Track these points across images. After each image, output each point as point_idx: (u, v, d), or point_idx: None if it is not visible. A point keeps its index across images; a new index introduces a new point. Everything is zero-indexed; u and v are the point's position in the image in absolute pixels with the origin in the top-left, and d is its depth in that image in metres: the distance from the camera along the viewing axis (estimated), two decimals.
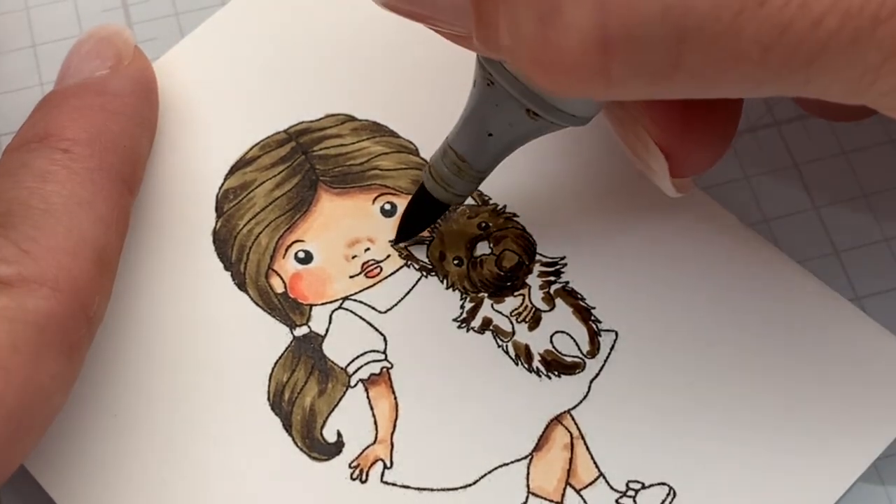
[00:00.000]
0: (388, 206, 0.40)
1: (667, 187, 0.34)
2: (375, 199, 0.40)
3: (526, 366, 0.37)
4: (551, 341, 0.38)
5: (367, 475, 0.36)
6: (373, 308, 0.38)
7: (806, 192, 0.42)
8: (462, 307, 0.38)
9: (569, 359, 0.38)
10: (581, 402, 0.37)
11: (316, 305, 0.38)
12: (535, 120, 0.33)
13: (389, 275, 0.39)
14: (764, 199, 0.42)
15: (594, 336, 0.38)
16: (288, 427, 0.36)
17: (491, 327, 0.38)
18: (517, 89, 0.32)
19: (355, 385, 0.37)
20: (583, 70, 0.25)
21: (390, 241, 0.39)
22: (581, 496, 0.36)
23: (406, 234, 0.39)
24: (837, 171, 0.42)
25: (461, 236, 0.39)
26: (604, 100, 0.28)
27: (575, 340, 0.38)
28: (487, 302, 0.38)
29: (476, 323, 0.38)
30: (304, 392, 0.37)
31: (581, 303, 0.39)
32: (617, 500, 0.36)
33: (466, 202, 0.39)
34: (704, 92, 0.26)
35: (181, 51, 0.42)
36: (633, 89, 0.26)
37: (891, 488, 0.38)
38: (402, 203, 0.40)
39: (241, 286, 0.39)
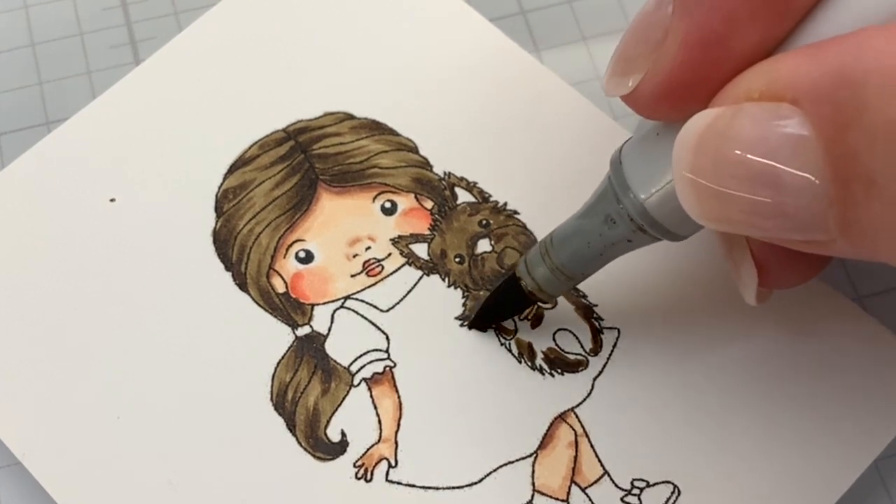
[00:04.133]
0: (388, 204, 0.40)
1: (749, 295, 0.34)
2: (375, 197, 0.40)
3: (529, 364, 0.37)
4: (554, 339, 0.38)
5: (371, 474, 0.36)
6: (375, 307, 0.38)
7: None
8: (464, 305, 0.38)
9: (572, 356, 0.38)
10: (585, 399, 0.37)
11: (317, 305, 0.38)
12: (644, 236, 0.32)
13: (391, 273, 0.39)
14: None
15: (597, 334, 0.38)
16: (291, 427, 0.36)
17: (493, 325, 0.38)
18: (637, 211, 0.32)
19: (358, 384, 0.37)
20: None
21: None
22: (586, 494, 0.36)
23: (484, 321, 0.38)
24: None
25: (462, 234, 0.39)
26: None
27: (578, 338, 0.38)
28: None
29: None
30: (308, 392, 0.37)
31: (583, 300, 0.39)
32: (622, 499, 0.36)
33: (467, 200, 0.39)
34: None
35: (177, 48, 0.42)
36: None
37: (891, 488, 0.38)
38: (401, 201, 0.40)
39: (242, 286, 0.38)
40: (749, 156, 0.26)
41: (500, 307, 0.38)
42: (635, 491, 0.36)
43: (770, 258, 0.33)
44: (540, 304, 0.38)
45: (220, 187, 0.40)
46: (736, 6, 0.27)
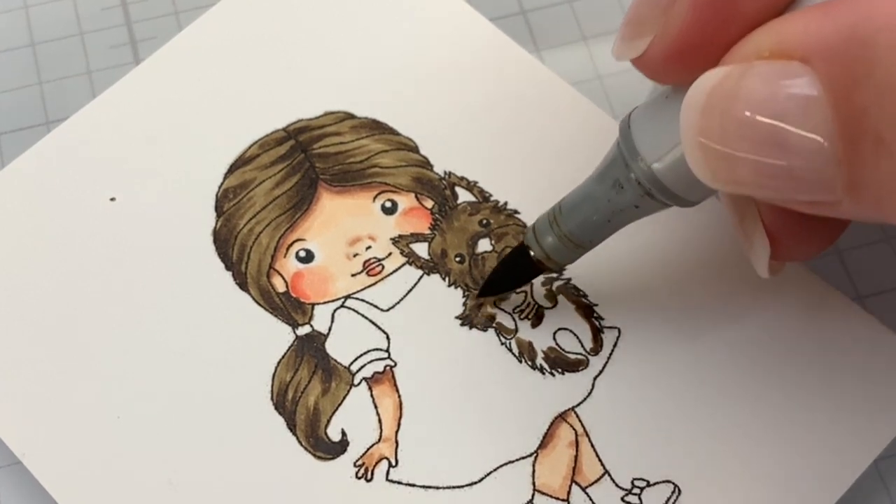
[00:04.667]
0: (388, 204, 0.40)
1: (761, 267, 0.34)
2: (376, 196, 0.40)
3: (529, 363, 0.37)
4: (554, 338, 0.38)
5: (372, 474, 0.36)
6: (375, 306, 0.38)
7: None
8: (464, 305, 0.38)
9: (572, 356, 0.38)
10: (585, 399, 0.37)
11: (318, 304, 0.38)
12: (652, 202, 0.32)
13: (391, 273, 0.39)
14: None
15: (597, 333, 0.38)
16: (292, 427, 0.36)
17: (494, 325, 0.38)
18: (646, 176, 0.31)
19: (359, 384, 0.37)
20: None
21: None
22: (587, 494, 0.36)
23: (493, 290, 0.38)
24: None
25: (463, 233, 0.39)
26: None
27: (578, 337, 0.38)
28: (490, 299, 0.38)
29: (479, 320, 0.38)
30: (308, 391, 0.37)
31: (583, 300, 0.38)
32: (622, 498, 0.36)
33: (467, 199, 0.39)
34: None
35: (177, 48, 0.42)
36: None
37: (891, 488, 0.38)
38: (402, 200, 0.40)
39: (243, 286, 0.38)
40: (757, 117, 0.26)
41: (508, 276, 0.37)
42: (636, 490, 0.36)
43: (782, 229, 0.33)
44: (547, 273, 0.37)
45: (220, 187, 0.40)
46: None
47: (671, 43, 0.29)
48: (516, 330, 0.38)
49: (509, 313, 0.38)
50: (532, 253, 0.36)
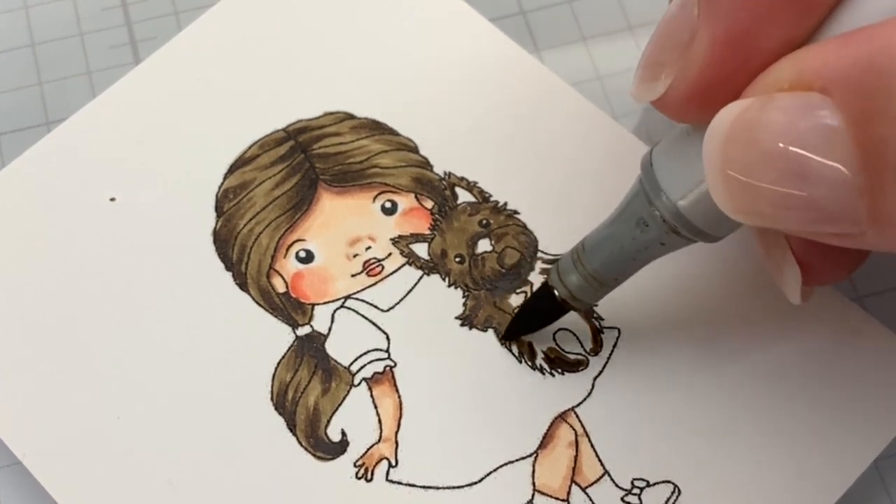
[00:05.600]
0: (388, 204, 0.40)
1: (794, 295, 0.34)
2: (376, 197, 0.40)
3: (529, 363, 0.37)
4: (554, 339, 0.38)
5: (372, 474, 0.36)
6: (375, 307, 0.38)
7: None
8: (464, 305, 0.38)
9: (572, 356, 0.38)
10: (585, 399, 0.37)
11: (318, 304, 0.38)
12: (677, 238, 0.32)
13: (391, 273, 0.39)
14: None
15: (597, 333, 0.38)
16: (292, 427, 0.36)
17: (493, 325, 0.38)
18: (671, 213, 0.31)
19: (359, 384, 0.37)
20: None
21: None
22: (587, 494, 0.36)
23: (518, 331, 0.38)
24: None
25: (462, 234, 0.39)
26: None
27: (578, 338, 0.38)
28: (489, 299, 0.38)
29: (478, 321, 0.38)
30: (308, 392, 0.37)
31: None
32: (622, 498, 0.36)
33: (467, 200, 0.39)
34: None
35: (177, 48, 0.42)
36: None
37: (891, 488, 0.38)
38: (402, 200, 0.40)
39: (243, 286, 0.38)
40: (780, 145, 0.25)
41: (533, 317, 0.37)
42: (635, 491, 0.36)
43: (811, 255, 0.33)
44: (571, 310, 0.37)
45: (220, 187, 0.40)
46: (762, 3, 0.27)
47: (692, 83, 0.29)
48: None
49: (509, 314, 0.38)
50: (557, 293, 0.36)
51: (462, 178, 0.40)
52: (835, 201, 0.25)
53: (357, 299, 0.38)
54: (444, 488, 0.36)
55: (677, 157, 0.31)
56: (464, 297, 0.38)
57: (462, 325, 0.38)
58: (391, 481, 0.36)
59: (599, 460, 0.36)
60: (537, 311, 0.37)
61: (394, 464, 0.36)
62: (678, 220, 0.31)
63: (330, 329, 0.38)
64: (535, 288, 0.38)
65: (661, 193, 0.31)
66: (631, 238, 0.33)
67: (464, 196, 0.40)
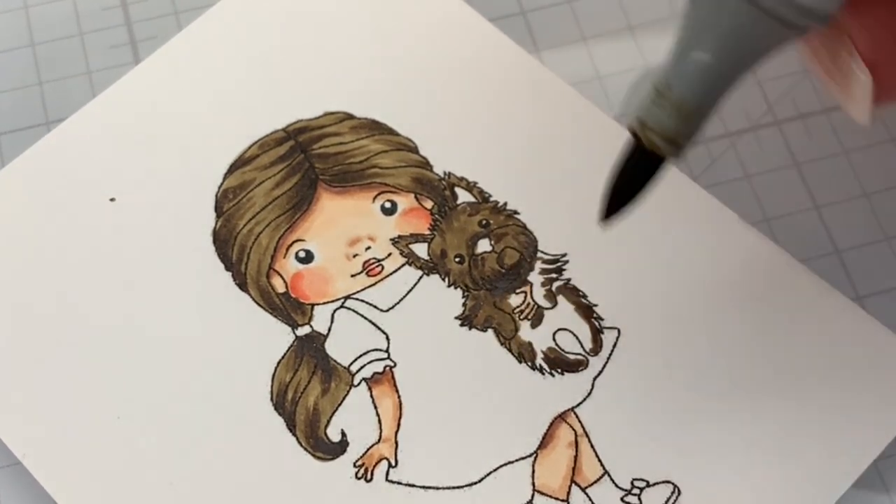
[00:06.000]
0: (388, 205, 0.40)
1: (863, 111, 0.31)
2: (375, 197, 0.40)
3: (529, 364, 0.37)
4: (554, 339, 0.38)
5: (371, 474, 0.36)
6: (375, 307, 0.38)
7: (806, 191, 0.42)
8: (464, 305, 0.38)
9: (572, 356, 0.38)
10: (585, 399, 0.37)
11: (318, 305, 0.38)
12: (763, 19, 0.28)
13: (391, 273, 0.39)
14: (765, 199, 0.42)
15: (597, 333, 0.38)
16: (292, 427, 0.36)
17: (493, 325, 0.38)
18: None
19: (358, 384, 0.37)
20: None
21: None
22: (586, 494, 0.36)
23: (618, 207, 0.32)
24: (838, 171, 0.42)
25: (462, 234, 0.39)
26: None
27: (578, 338, 0.38)
28: (489, 299, 0.38)
29: (478, 321, 0.38)
30: (308, 392, 0.37)
31: (583, 300, 0.38)
32: (622, 499, 0.36)
33: (467, 200, 0.39)
34: None
35: (177, 48, 0.42)
36: None
37: (891, 488, 0.38)
38: (401, 201, 0.40)
39: (243, 286, 0.38)
40: None
41: (631, 181, 0.31)
42: (635, 491, 0.36)
43: (880, 56, 0.30)
44: (671, 158, 0.31)
45: (220, 187, 0.40)
46: None
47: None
48: (516, 330, 0.38)
49: (509, 314, 0.38)
50: (647, 145, 0.30)
51: (462, 178, 0.40)
52: None
53: (357, 299, 0.38)
54: (443, 488, 0.36)
55: None
56: (463, 297, 0.38)
57: (462, 325, 0.38)
58: (391, 481, 0.36)
59: (599, 460, 0.36)
60: (631, 175, 0.31)
61: (393, 464, 0.36)
62: None
63: (330, 329, 0.38)
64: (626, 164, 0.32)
65: None
66: (711, 40, 0.29)
67: (464, 196, 0.40)
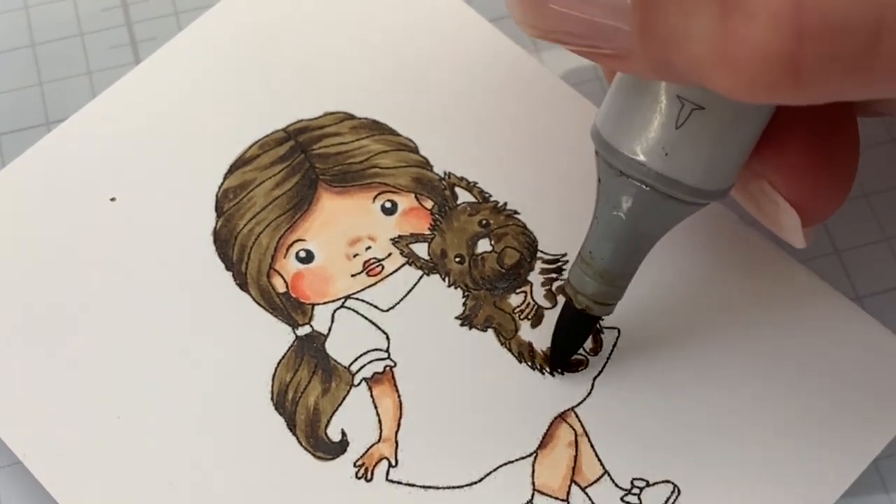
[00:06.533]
0: (388, 205, 0.40)
1: (798, 240, 0.34)
2: (376, 197, 0.40)
3: (529, 363, 0.37)
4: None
5: (372, 474, 0.36)
6: (375, 307, 0.38)
7: None
8: (464, 305, 0.38)
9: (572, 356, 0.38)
10: (585, 399, 0.37)
11: (318, 304, 0.38)
12: (664, 200, 0.32)
13: (391, 273, 0.39)
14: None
15: (597, 333, 0.38)
16: (292, 427, 0.36)
17: (493, 325, 0.38)
18: (652, 176, 0.31)
19: (359, 384, 0.37)
20: (773, 64, 0.23)
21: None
22: (586, 494, 0.36)
23: (562, 358, 0.37)
24: None
25: (462, 234, 0.39)
26: (787, 102, 0.26)
27: None
28: (489, 299, 0.38)
29: (478, 321, 0.38)
30: (308, 391, 0.37)
31: None
32: (622, 498, 0.36)
33: (467, 200, 0.39)
34: None
35: (177, 48, 0.42)
36: (825, 85, 0.24)
37: (891, 488, 0.38)
38: (402, 201, 0.40)
39: (243, 286, 0.38)
40: None
41: (568, 339, 0.37)
42: (635, 490, 0.36)
43: (801, 193, 0.33)
44: (602, 315, 0.36)
45: (220, 187, 0.40)
46: None
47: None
48: (516, 330, 0.38)
49: (509, 314, 0.38)
50: (577, 304, 0.35)
51: (462, 178, 0.40)
52: (610, 17, 0.27)
53: (357, 299, 0.38)
54: (443, 488, 0.36)
55: (621, 113, 0.31)
56: (464, 297, 0.38)
57: (462, 325, 0.38)
58: (391, 481, 0.36)
59: (599, 460, 0.36)
60: (568, 332, 0.37)
61: (394, 464, 0.36)
62: (646, 175, 0.31)
63: (330, 329, 0.38)
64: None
65: (619, 154, 0.31)
66: (621, 219, 0.33)
67: (464, 196, 0.40)
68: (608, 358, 0.38)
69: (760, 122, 0.32)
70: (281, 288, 0.38)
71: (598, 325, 0.38)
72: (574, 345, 0.37)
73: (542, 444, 0.36)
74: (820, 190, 0.33)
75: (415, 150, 0.41)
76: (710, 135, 0.31)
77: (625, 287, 0.35)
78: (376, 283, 0.39)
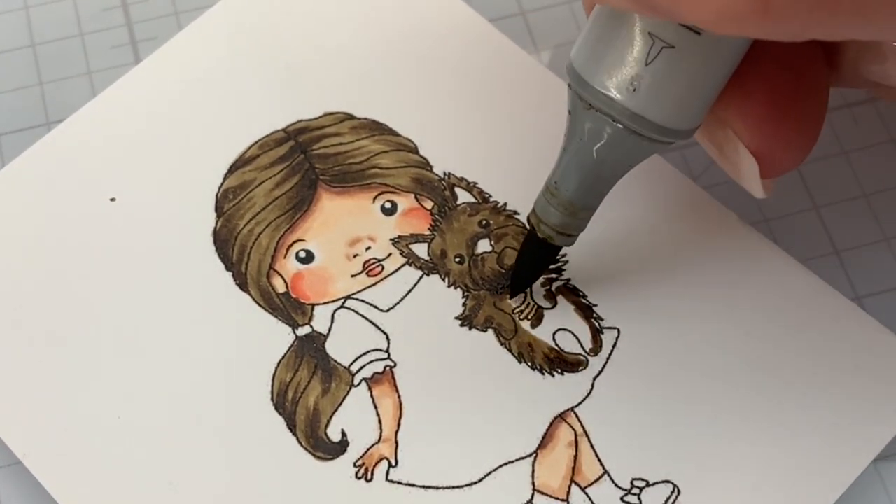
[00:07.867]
0: (388, 205, 0.40)
1: (756, 189, 0.34)
2: (376, 197, 0.40)
3: (529, 363, 0.37)
4: (554, 339, 0.38)
5: (372, 474, 0.36)
6: (375, 307, 0.38)
7: (806, 191, 0.42)
8: (464, 305, 0.38)
9: (571, 356, 0.38)
10: (584, 399, 0.37)
11: (318, 305, 0.38)
12: (626, 134, 0.32)
13: (391, 273, 0.39)
14: (764, 199, 0.42)
15: (596, 333, 0.38)
16: (292, 427, 0.36)
17: (493, 325, 0.38)
18: (618, 110, 0.32)
19: (359, 384, 0.37)
20: None
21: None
22: (586, 494, 0.36)
23: (522, 285, 0.38)
24: (837, 171, 0.42)
25: (462, 234, 0.39)
26: (756, 35, 0.26)
27: (577, 338, 0.38)
28: (489, 300, 0.38)
29: (478, 321, 0.38)
30: (308, 392, 0.37)
31: (583, 300, 0.39)
32: (622, 498, 0.36)
33: (467, 200, 0.39)
34: (864, 26, 0.24)
35: (177, 48, 0.42)
36: (792, 19, 0.24)
37: (891, 488, 0.38)
38: (402, 201, 0.40)
39: (243, 286, 0.39)
40: None
41: (529, 267, 0.38)
42: (635, 490, 0.36)
43: (763, 143, 0.33)
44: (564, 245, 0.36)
45: (220, 187, 0.40)
46: None
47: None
48: (516, 330, 0.38)
49: (508, 314, 0.38)
50: (541, 233, 0.35)
51: (462, 179, 0.40)
52: None
53: (357, 299, 0.38)
54: (443, 488, 0.36)
55: (594, 48, 0.32)
56: (463, 297, 0.38)
57: (462, 325, 0.38)
58: (391, 481, 0.36)
59: (599, 460, 0.36)
60: (530, 259, 0.37)
61: (394, 464, 0.36)
62: (614, 109, 0.32)
63: (330, 329, 0.38)
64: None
65: (589, 87, 0.32)
66: (587, 152, 0.33)
67: (464, 196, 0.40)
68: (608, 358, 0.38)
69: (729, 65, 0.32)
70: (281, 288, 0.39)
71: (598, 325, 0.38)
72: (534, 272, 0.38)
73: (542, 445, 0.36)
74: (781, 142, 0.33)
75: (415, 151, 0.41)
76: (678, 74, 0.31)
77: (587, 219, 0.35)
78: (376, 283, 0.39)
